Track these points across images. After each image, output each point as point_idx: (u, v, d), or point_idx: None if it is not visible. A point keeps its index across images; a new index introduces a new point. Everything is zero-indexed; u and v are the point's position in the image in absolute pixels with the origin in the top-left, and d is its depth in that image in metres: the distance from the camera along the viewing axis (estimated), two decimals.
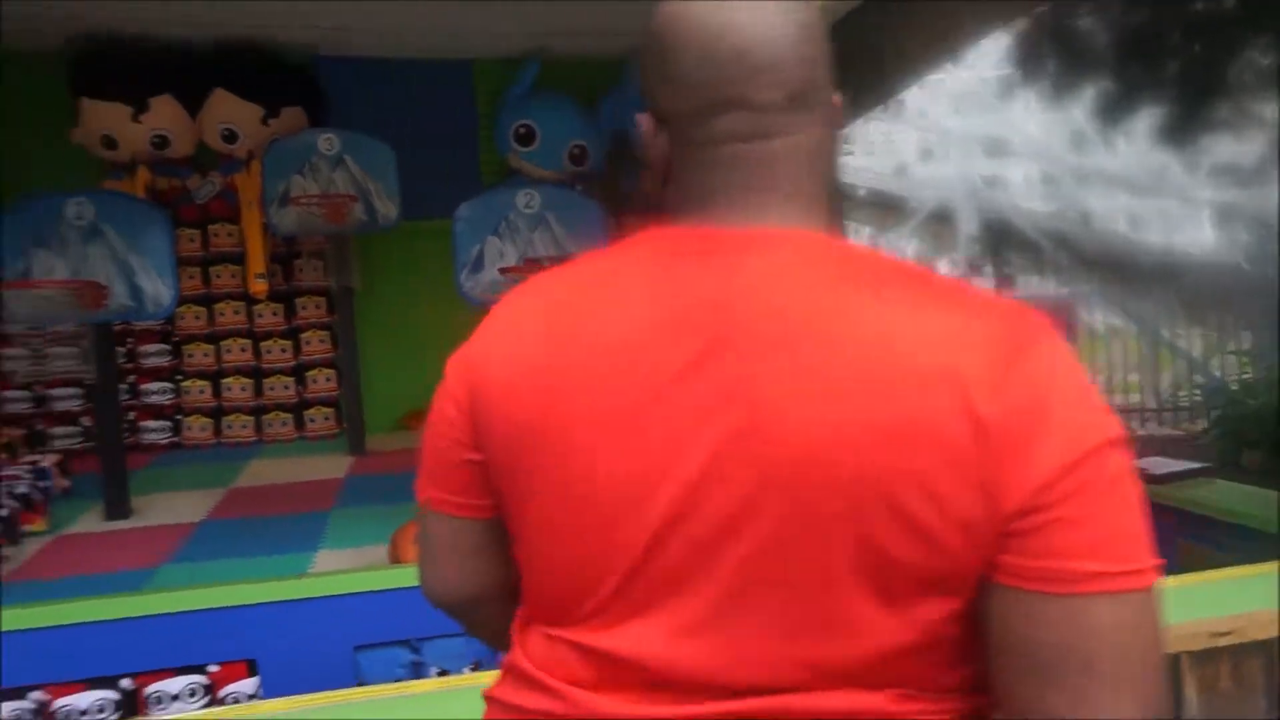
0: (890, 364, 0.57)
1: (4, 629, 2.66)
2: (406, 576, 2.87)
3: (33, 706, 2.63)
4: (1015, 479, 0.55)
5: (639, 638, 0.63)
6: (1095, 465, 0.56)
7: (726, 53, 0.65)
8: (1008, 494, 0.55)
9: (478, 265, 4.04)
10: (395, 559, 3.11)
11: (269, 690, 2.80)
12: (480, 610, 0.83)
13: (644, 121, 0.73)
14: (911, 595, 0.58)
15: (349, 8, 4.50)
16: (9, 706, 2.61)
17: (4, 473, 3.90)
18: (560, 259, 4.16)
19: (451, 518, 0.78)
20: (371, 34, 4.93)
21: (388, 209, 4.57)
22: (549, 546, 0.68)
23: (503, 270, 3.91)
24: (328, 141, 4.51)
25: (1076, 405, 0.57)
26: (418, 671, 2.85)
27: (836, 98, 0.70)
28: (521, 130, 4.99)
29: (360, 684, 2.71)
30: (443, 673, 2.82)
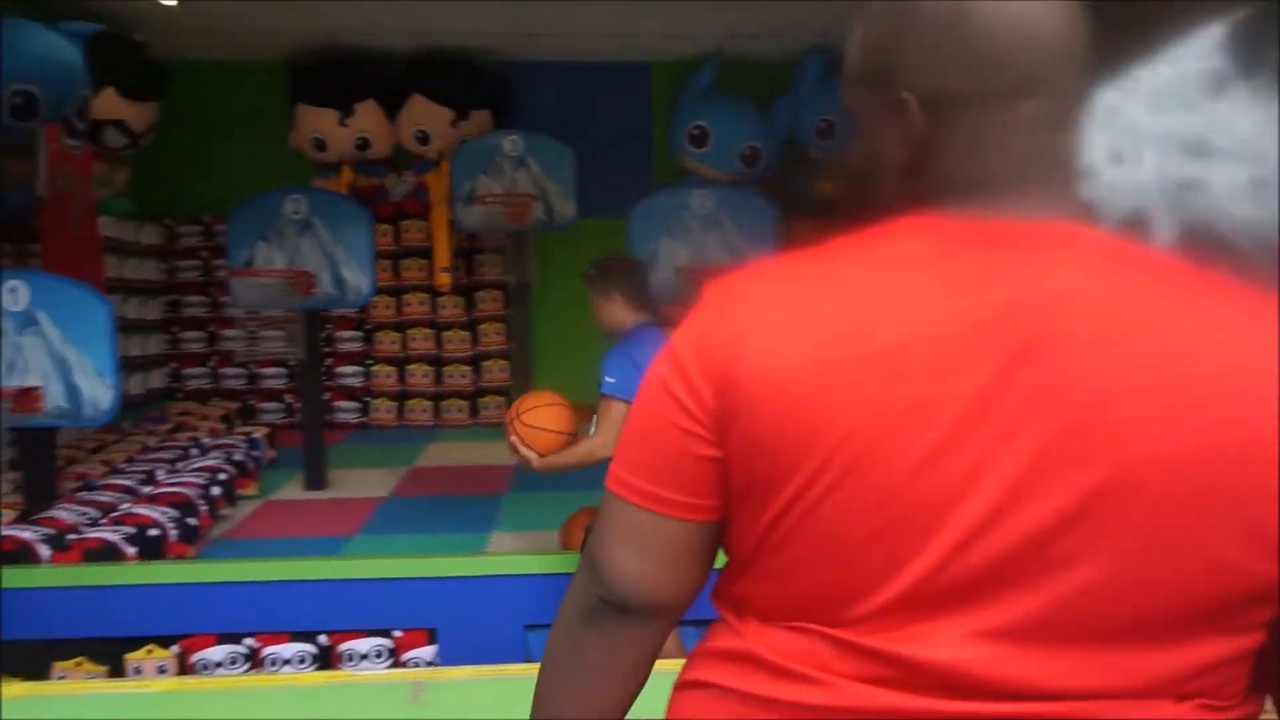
0: (1233, 376, 0.57)
1: (223, 580, 2.98)
2: (576, 562, 2.99)
3: (246, 651, 2.93)
4: None
5: (932, 641, 0.61)
6: None
7: (1043, 38, 0.64)
8: None
9: (652, 264, 4.13)
10: (565, 545, 3.24)
11: (445, 658, 2.99)
12: (653, 621, 0.73)
13: (910, 101, 0.66)
14: (1243, 607, 0.59)
15: (536, 14, 4.71)
16: (228, 649, 2.92)
17: (224, 441, 4.34)
18: (733, 260, 4.21)
19: (668, 518, 0.69)
20: (555, 38, 5.13)
21: (565, 208, 4.75)
22: (819, 548, 0.64)
23: (679, 270, 3.98)
24: (512, 143, 4.73)
25: None
26: None
27: None
28: (695, 131, 5.05)
29: (529, 660, 2.85)
30: None
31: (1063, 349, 0.59)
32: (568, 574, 2.88)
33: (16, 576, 2.82)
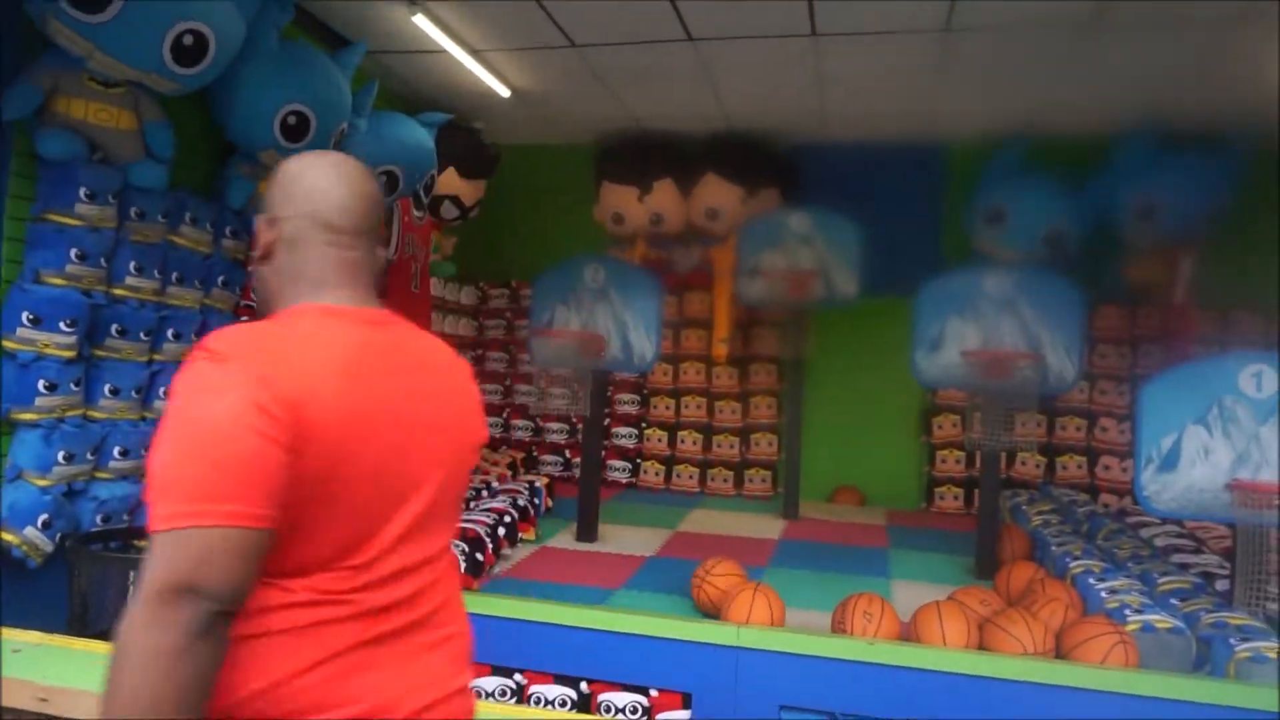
0: (467, 387, 1.20)
1: (501, 615, 3.19)
2: (836, 647, 2.87)
3: (514, 685, 3.10)
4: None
5: (400, 557, 1.07)
6: None
7: (323, 185, 1.13)
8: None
9: (936, 345, 3.95)
10: (838, 629, 3.12)
11: None
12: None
13: (262, 221, 1.15)
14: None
15: (836, 97, 4.78)
16: (498, 681, 3.11)
17: (510, 487, 4.71)
18: (1028, 344, 3.92)
19: (256, 531, 0.91)
20: (848, 120, 5.17)
21: (848, 286, 4.70)
22: (354, 520, 1.01)
23: (965, 353, 3.77)
24: (799, 220, 4.80)
25: None
26: None
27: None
28: (992, 211, 4.83)
29: None
30: None
31: (423, 383, 1.12)
32: (829, 659, 2.78)
33: None
